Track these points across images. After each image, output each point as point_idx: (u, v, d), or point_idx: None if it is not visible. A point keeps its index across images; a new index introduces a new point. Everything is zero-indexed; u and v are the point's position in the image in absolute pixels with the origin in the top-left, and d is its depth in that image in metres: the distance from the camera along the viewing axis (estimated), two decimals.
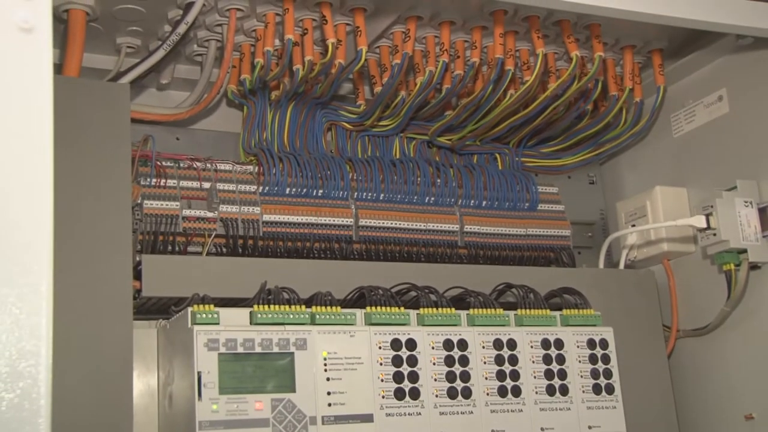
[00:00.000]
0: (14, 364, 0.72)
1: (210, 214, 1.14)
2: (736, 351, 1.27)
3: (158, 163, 1.14)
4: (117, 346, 1.00)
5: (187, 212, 1.13)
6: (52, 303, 0.73)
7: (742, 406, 1.25)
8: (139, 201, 1.10)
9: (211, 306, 1.00)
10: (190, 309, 1.00)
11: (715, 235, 1.21)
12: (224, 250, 1.15)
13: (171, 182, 1.14)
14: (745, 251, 1.21)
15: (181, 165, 1.16)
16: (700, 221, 1.23)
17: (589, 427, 1.15)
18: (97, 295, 1.00)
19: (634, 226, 1.37)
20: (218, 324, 1.00)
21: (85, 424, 0.97)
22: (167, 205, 1.12)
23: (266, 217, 1.18)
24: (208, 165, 1.18)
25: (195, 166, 1.16)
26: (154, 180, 1.12)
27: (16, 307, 0.72)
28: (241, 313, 1.03)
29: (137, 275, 1.05)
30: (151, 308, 1.09)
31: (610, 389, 1.18)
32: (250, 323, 1.02)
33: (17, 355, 0.72)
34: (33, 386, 0.73)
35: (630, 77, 1.33)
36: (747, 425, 1.24)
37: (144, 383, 1.08)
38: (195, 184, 1.15)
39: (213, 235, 1.14)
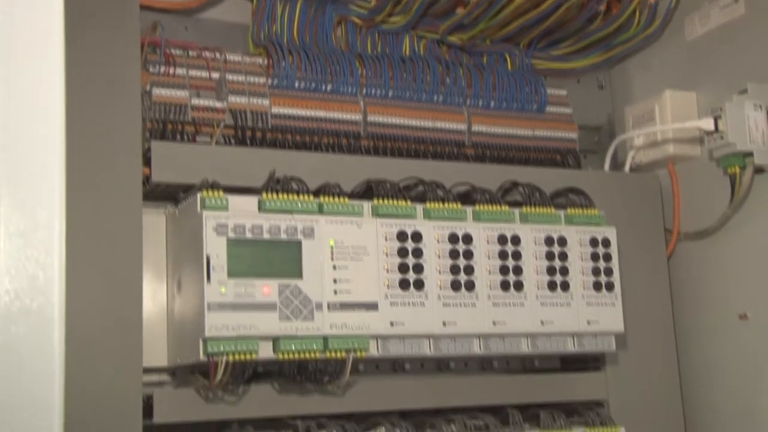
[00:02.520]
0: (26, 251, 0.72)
1: (219, 104, 1.13)
2: (735, 254, 1.27)
3: (167, 51, 1.12)
4: (126, 231, 1.01)
5: (196, 101, 1.12)
6: (64, 190, 0.73)
7: (737, 307, 1.26)
8: (147, 88, 1.09)
9: (220, 192, 1.00)
10: (199, 194, 0.99)
11: (722, 138, 1.20)
12: (233, 141, 1.14)
13: (180, 71, 1.12)
14: (751, 154, 1.20)
15: (190, 54, 1.14)
16: (708, 123, 1.21)
17: (588, 323, 1.16)
18: (107, 181, 1.00)
19: None
20: (227, 210, 1.00)
21: (96, 309, 0.98)
22: (176, 93, 1.10)
23: (275, 110, 1.16)
24: (218, 55, 1.16)
25: (204, 55, 1.15)
26: (162, 68, 1.11)
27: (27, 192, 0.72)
28: (250, 201, 1.02)
29: (146, 162, 1.04)
30: (159, 195, 1.08)
31: (610, 287, 1.18)
32: (259, 210, 1.02)
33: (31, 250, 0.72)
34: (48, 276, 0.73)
35: None
36: (741, 325, 1.25)
37: (153, 269, 1.08)
38: (204, 73, 1.14)
39: (222, 125, 1.13)
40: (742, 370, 1.25)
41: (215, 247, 0.98)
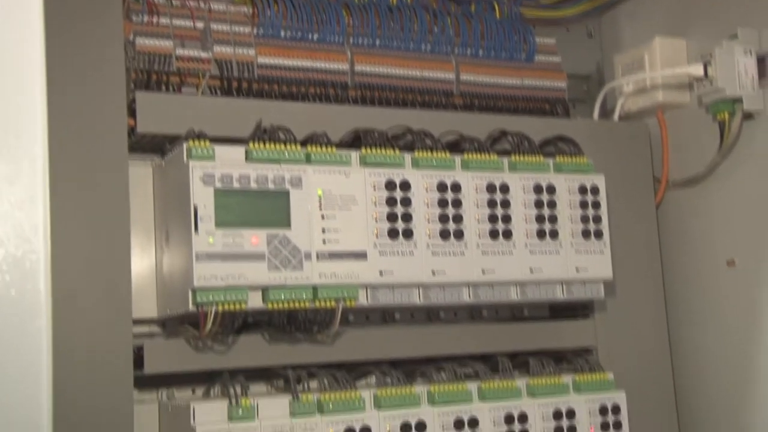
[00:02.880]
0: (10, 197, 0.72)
1: (204, 54, 1.12)
2: (723, 201, 1.28)
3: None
4: (113, 182, 1.00)
5: (180, 51, 1.10)
6: (47, 140, 0.72)
7: (725, 253, 1.27)
8: (131, 38, 1.07)
9: (207, 142, 0.99)
10: (185, 144, 0.99)
11: (711, 83, 1.20)
12: (219, 91, 1.13)
13: (164, 20, 1.10)
14: (740, 100, 1.20)
15: (174, 3, 1.12)
16: (697, 69, 1.21)
17: (577, 270, 1.17)
18: (92, 132, 0.99)
19: None
20: (214, 160, 0.99)
21: (84, 260, 0.98)
22: (160, 43, 1.09)
23: (261, 60, 1.15)
24: (202, 4, 1.14)
25: (188, 4, 1.13)
26: (146, 17, 1.09)
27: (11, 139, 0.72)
28: (237, 151, 1.01)
29: (131, 113, 1.03)
30: (146, 147, 1.07)
31: (598, 234, 1.18)
32: (246, 160, 1.01)
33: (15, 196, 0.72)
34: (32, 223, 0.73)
35: None
36: (728, 270, 1.26)
37: (141, 221, 1.07)
38: (188, 23, 1.12)
39: (207, 76, 1.12)
40: (730, 315, 1.26)
41: (202, 198, 0.97)
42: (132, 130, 1.03)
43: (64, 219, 0.94)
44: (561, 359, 1.22)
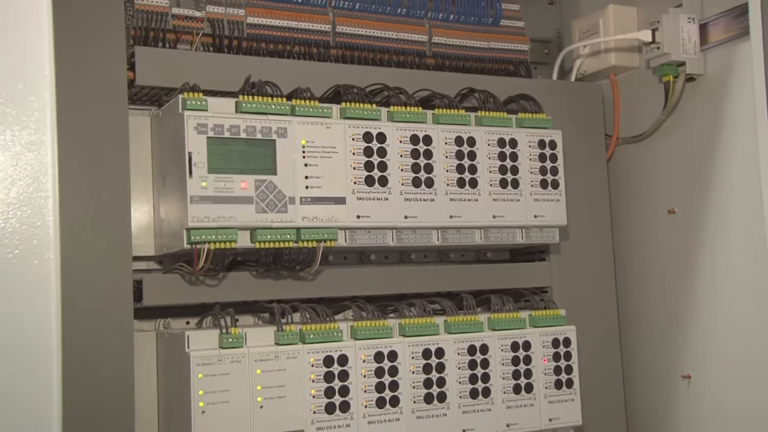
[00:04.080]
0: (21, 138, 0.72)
1: (198, 14, 1.11)
2: (666, 155, 1.30)
3: None
4: (114, 130, 1.00)
5: (176, 10, 1.09)
6: (54, 88, 0.72)
7: (667, 203, 1.29)
8: None
9: (200, 94, 0.99)
10: (180, 96, 0.98)
11: (658, 48, 1.21)
12: (211, 48, 1.12)
13: None
14: (683, 64, 1.21)
15: None
16: (646, 35, 1.22)
17: (535, 217, 1.19)
18: (95, 83, 0.99)
19: None
20: (207, 110, 0.99)
21: (88, 200, 0.98)
22: (157, 1, 1.08)
23: (250, 20, 1.14)
24: None
25: None
26: None
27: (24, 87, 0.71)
28: (227, 103, 1.01)
29: (131, 66, 1.02)
30: (144, 98, 1.07)
31: (555, 184, 1.20)
32: (236, 111, 1.01)
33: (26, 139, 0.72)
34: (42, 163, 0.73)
35: None
36: (669, 218, 1.29)
37: (139, 168, 1.07)
38: None
39: (200, 34, 1.11)
40: (670, 257, 1.29)
41: (196, 145, 0.97)
42: (131, 83, 1.02)
43: (70, 161, 0.93)
44: (519, 297, 1.24)
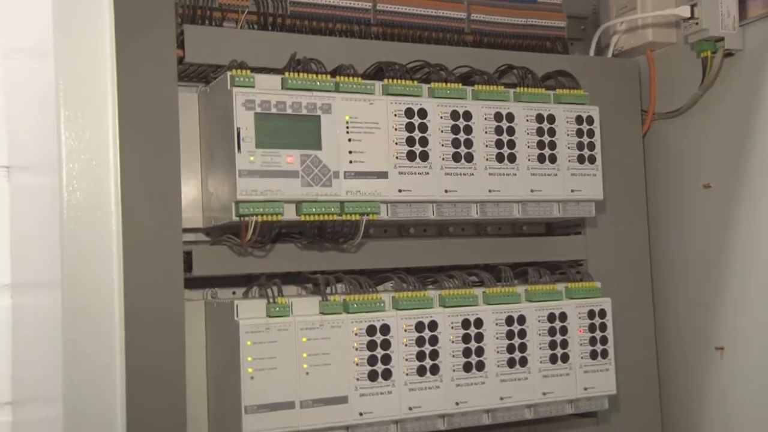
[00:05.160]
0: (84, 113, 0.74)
1: None
2: (702, 131, 1.29)
3: None
4: (165, 106, 1.02)
5: None
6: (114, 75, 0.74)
7: (702, 177, 1.29)
8: None
9: (248, 71, 1.01)
10: (229, 73, 1.00)
11: (697, 24, 1.20)
12: (255, 26, 1.14)
13: None
14: (722, 39, 1.20)
15: None
16: (684, 11, 1.21)
17: (572, 191, 1.19)
18: (144, 63, 1.01)
19: None
20: (254, 87, 1.01)
21: (142, 173, 1.00)
22: None
23: None
24: None
25: None
26: None
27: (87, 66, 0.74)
28: (274, 80, 1.03)
29: (180, 44, 1.04)
30: (192, 75, 1.09)
31: (592, 159, 1.21)
32: (282, 88, 1.03)
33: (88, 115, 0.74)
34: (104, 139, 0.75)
35: None
36: (704, 192, 1.29)
37: (188, 143, 1.09)
38: None
39: (246, 12, 1.12)
40: (705, 231, 1.29)
41: (244, 121, 0.99)
42: (180, 60, 1.04)
43: (126, 136, 0.96)
44: (555, 270, 1.25)
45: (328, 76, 1.05)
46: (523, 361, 1.14)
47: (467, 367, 1.11)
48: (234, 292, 1.15)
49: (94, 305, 0.75)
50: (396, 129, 1.08)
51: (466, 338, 1.11)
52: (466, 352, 1.11)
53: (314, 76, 1.04)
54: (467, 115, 1.13)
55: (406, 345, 1.07)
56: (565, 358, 1.17)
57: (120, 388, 0.75)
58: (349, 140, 1.05)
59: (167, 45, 1.02)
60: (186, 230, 1.06)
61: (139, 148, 0.99)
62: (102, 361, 0.75)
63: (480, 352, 1.12)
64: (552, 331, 1.17)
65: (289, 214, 1.03)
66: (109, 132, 0.75)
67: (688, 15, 1.21)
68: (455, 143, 1.12)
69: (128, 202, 0.95)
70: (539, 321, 1.16)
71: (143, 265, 0.99)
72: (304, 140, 1.03)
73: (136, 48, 0.99)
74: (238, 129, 0.99)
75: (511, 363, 1.14)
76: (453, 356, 1.10)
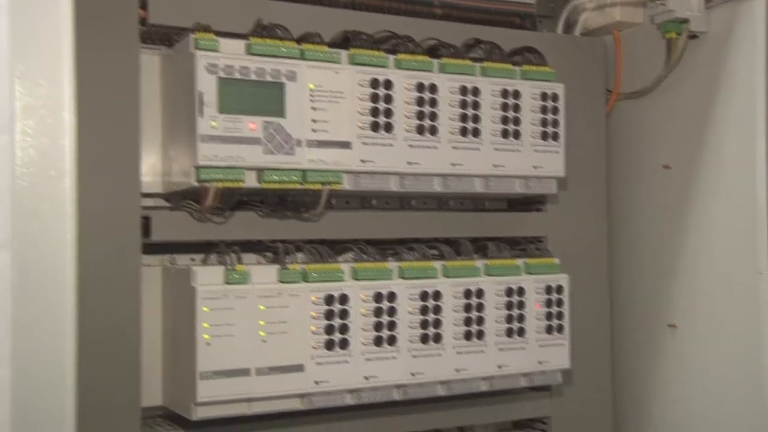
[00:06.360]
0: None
1: None
2: (664, 111, 1.30)
3: None
4: (125, 67, 1.00)
5: None
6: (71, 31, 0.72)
7: (662, 158, 1.30)
8: None
9: (212, 34, 0.99)
10: (192, 35, 0.98)
11: (663, 4, 1.20)
12: None
13: None
14: (687, 21, 1.21)
15: None
16: None
17: (534, 167, 1.19)
18: (105, 22, 0.98)
19: None
20: (218, 51, 0.98)
21: (100, 134, 0.98)
22: None
23: None
24: None
25: None
26: None
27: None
28: (238, 44, 1.01)
29: (143, 5, 1.02)
30: (154, 37, 1.06)
31: (555, 136, 1.20)
32: (246, 53, 1.01)
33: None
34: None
35: None
36: (664, 172, 1.30)
37: (149, 106, 1.06)
38: None
39: None
40: (664, 211, 1.30)
41: (207, 85, 0.97)
42: (143, 21, 1.01)
43: (84, 95, 0.93)
44: (516, 246, 1.25)
45: (294, 42, 1.03)
46: (480, 334, 1.15)
47: (424, 339, 1.11)
48: (193, 259, 1.13)
49: (46, 267, 0.73)
50: (361, 99, 1.07)
51: (424, 310, 1.11)
52: (424, 324, 1.11)
53: (280, 42, 1.02)
54: (433, 88, 1.12)
55: (364, 315, 1.07)
56: (521, 332, 1.18)
57: (71, 351, 0.73)
58: (313, 109, 1.04)
59: (129, 3, 0.99)
60: (146, 195, 1.04)
61: (97, 108, 0.97)
62: (53, 323, 0.73)
63: (437, 324, 1.12)
64: (509, 305, 1.17)
65: (251, 181, 1.01)
66: (65, 89, 0.73)
67: None
68: (420, 116, 1.11)
69: (85, 163, 0.94)
70: (497, 295, 1.17)
71: (99, 227, 0.97)
72: (268, 107, 1.01)
73: (97, 6, 0.96)
74: (201, 93, 0.97)
75: (468, 335, 1.14)
76: (411, 327, 1.10)
